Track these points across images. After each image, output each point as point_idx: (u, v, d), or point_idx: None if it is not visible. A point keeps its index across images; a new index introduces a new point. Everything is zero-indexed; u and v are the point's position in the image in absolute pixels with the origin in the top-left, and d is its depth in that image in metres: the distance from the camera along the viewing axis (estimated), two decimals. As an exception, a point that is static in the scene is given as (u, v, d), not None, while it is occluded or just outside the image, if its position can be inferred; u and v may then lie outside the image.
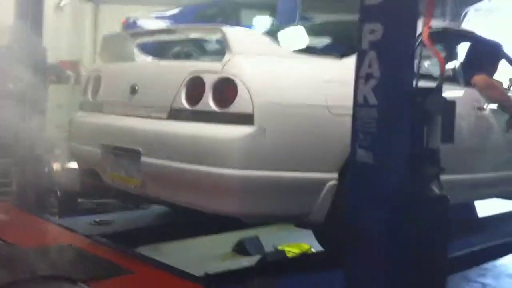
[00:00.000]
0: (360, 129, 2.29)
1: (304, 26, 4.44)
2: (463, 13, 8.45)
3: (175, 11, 9.41)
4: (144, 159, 3.02)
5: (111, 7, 11.70)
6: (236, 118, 2.66)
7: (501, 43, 4.02)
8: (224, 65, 2.74)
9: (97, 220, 4.30)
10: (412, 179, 2.26)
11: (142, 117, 3.13)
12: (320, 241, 3.14)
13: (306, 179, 2.76)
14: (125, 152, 3.21)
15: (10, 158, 4.59)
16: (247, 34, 3.11)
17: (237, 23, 9.50)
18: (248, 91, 2.64)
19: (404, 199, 2.25)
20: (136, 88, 3.18)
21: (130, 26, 8.93)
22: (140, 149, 3.03)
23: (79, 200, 5.92)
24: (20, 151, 4.46)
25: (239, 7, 10.02)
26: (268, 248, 5.65)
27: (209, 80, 2.76)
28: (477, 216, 4.67)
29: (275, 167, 2.67)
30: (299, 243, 5.61)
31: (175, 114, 2.91)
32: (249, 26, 9.02)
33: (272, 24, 8.48)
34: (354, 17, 4.22)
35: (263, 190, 2.69)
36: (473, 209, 4.69)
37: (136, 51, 3.61)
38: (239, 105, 2.66)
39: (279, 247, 5.56)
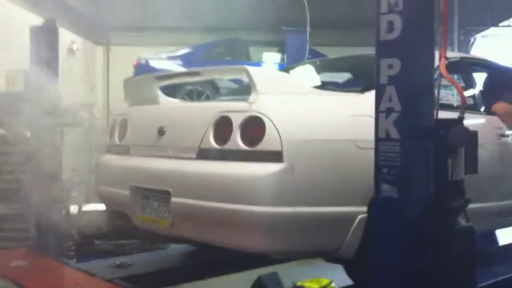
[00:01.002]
0: (383, 164, 2.29)
1: (320, 62, 4.49)
2: (471, 40, 8.52)
3: (185, 50, 9.55)
4: (174, 199, 3.03)
5: (121, 49, 11.88)
6: (265, 156, 2.68)
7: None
8: (251, 104, 2.78)
9: (117, 262, 4.26)
10: (438, 212, 2.24)
11: (171, 158, 3.15)
12: (350, 275, 3.10)
13: (336, 213, 2.77)
14: (154, 194, 3.22)
15: (28, 203, 4.59)
16: (270, 73, 3.11)
17: (246, 60, 9.61)
18: (276, 128, 2.67)
19: (430, 233, 2.24)
20: (164, 129, 3.21)
21: (142, 67, 9.05)
22: (170, 190, 3.04)
23: (96, 242, 5.90)
24: (37, 195, 4.48)
25: (246, 44, 10.14)
26: (287, 284, 5.61)
27: (237, 119, 2.80)
28: (499, 244, 4.60)
29: (305, 203, 2.69)
30: (318, 277, 5.56)
31: (204, 154, 2.94)
32: (257, 63, 9.14)
33: (282, 60, 8.57)
34: (365, 50, 4.32)
35: (293, 226, 2.70)
36: (495, 238, 4.63)
37: (159, 93, 3.66)
38: (267, 143, 2.68)
39: (298, 283, 5.52)
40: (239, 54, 9.64)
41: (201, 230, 2.99)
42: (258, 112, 2.73)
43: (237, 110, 2.84)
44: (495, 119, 3.57)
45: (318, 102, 2.93)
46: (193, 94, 8.18)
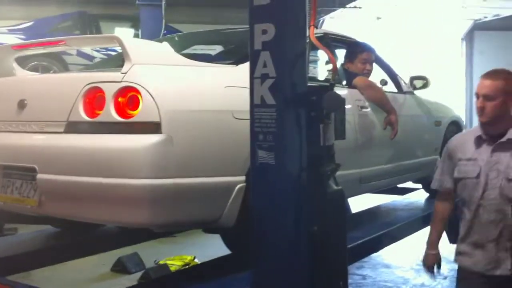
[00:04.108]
0: (259, 130, 2.28)
1: (187, 35, 4.41)
2: (320, 21, 8.90)
3: (27, 24, 8.89)
4: (40, 176, 2.83)
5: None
6: (142, 127, 2.59)
7: (374, 47, 4.26)
8: (125, 74, 2.66)
9: (-39, 250, 3.87)
10: (311, 176, 2.29)
11: (35, 132, 2.95)
12: (228, 245, 3.13)
13: (215, 184, 2.76)
14: (16, 171, 3.00)
15: None
16: (144, 42, 3.04)
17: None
18: (153, 99, 2.58)
19: (304, 196, 2.28)
20: (25, 102, 2.99)
21: (-22, 41, 8.28)
22: (36, 166, 2.84)
23: None
24: None
25: (96, 19, 9.69)
26: (149, 263, 5.52)
27: (109, 90, 2.66)
28: (351, 212, 4.88)
29: (184, 174, 2.65)
30: (181, 255, 5.54)
31: (74, 127, 2.78)
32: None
33: (136, 36, 8.30)
34: (221, 28, 4.31)
35: (173, 198, 2.64)
36: (347, 205, 4.89)
37: (15, 65, 3.38)
38: (144, 114, 2.59)
39: (161, 262, 5.46)
40: (89, 29, 9.18)
41: (73, 207, 2.83)
42: (133, 83, 2.62)
43: (109, 80, 2.70)
44: (355, 92, 3.74)
45: (194, 73, 2.90)
46: (38, 69, 7.65)
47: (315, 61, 3.58)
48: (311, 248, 2.29)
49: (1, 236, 5.34)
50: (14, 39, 8.15)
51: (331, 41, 3.77)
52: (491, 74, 2.70)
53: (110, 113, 2.64)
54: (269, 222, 2.30)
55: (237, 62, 3.05)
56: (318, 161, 2.30)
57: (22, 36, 8.49)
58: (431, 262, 2.90)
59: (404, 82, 4.65)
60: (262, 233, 2.32)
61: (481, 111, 2.66)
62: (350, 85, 3.77)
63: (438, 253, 2.90)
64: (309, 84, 2.37)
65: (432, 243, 2.90)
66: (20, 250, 4.05)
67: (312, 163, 2.28)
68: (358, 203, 4.86)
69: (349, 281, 2.56)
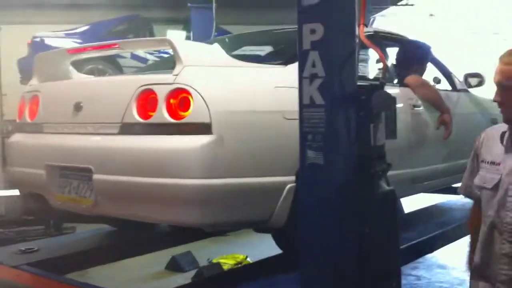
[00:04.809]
0: (308, 130, 2.27)
1: (235, 37, 4.45)
2: (370, 20, 8.79)
3: (84, 28, 9.16)
4: (96, 176, 2.91)
5: (13, 28, 11.18)
6: (193, 128, 2.64)
7: (430, 45, 4.18)
8: (176, 76, 2.71)
9: (22, 248, 4.02)
10: (361, 176, 2.26)
11: (91, 134, 3.04)
12: (279, 245, 3.17)
13: (265, 184, 2.78)
14: (74, 172, 3.09)
15: None
16: (194, 44, 3.11)
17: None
18: (204, 100, 2.63)
19: (354, 197, 2.25)
20: (81, 105, 3.08)
21: (37, 45, 8.59)
22: (92, 167, 2.92)
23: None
24: None
25: (150, 22, 9.90)
26: (202, 262, 5.58)
27: (161, 92, 2.73)
28: (404, 212, 4.80)
29: (235, 175, 2.68)
30: (234, 254, 5.58)
31: (128, 128, 2.85)
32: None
33: (188, 39, 8.42)
34: (277, 27, 4.32)
35: (224, 198, 2.68)
36: (400, 206, 4.82)
37: (71, 68, 3.50)
38: (195, 115, 2.64)
39: (214, 260, 5.51)
40: (143, 32, 9.39)
41: (127, 206, 2.91)
42: (184, 84, 2.67)
43: (161, 82, 2.77)
44: (407, 91, 3.68)
45: (244, 74, 2.93)
46: (94, 72, 7.87)
47: (366, 60, 3.55)
48: (361, 250, 2.26)
49: (59, 235, 5.51)
50: (71, 43, 8.40)
51: (382, 40, 3.73)
52: (507, 56, 2.04)
53: (163, 114, 2.70)
54: (318, 223, 2.29)
55: (286, 63, 3.05)
56: (368, 161, 2.28)
57: (79, 40, 8.76)
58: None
59: (458, 80, 4.55)
60: (310, 234, 2.31)
61: (501, 106, 2.06)
62: (402, 84, 3.72)
63: None
64: (358, 83, 2.36)
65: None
66: (78, 249, 4.18)
67: (362, 164, 2.26)
68: (413, 203, 4.77)
69: (403, 282, 2.52)
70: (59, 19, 10.56)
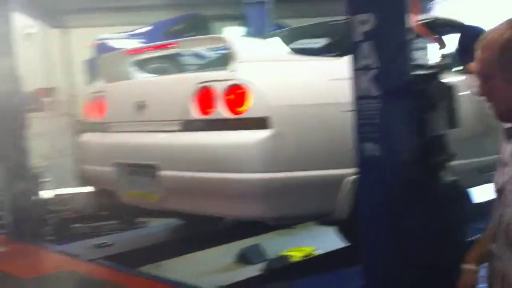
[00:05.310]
0: (363, 122, 2.26)
1: (291, 30, 4.47)
2: (429, 6, 8.54)
3: (145, 28, 9.36)
4: (161, 173, 3.01)
5: (79, 31, 11.59)
6: (252, 123, 2.70)
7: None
8: (234, 72, 2.78)
9: (97, 243, 4.23)
10: (420, 167, 2.24)
11: (155, 131, 3.14)
12: (345, 237, 3.19)
13: (326, 176, 2.80)
14: (141, 169, 3.21)
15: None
16: (249, 41, 3.13)
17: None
18: (262, 95, 2.68)
19: (413, 188, 2.23)
20: (144, 104, 3.18)
21: (102, 47, 8.85)
22: (157, 164, 3.03)
23: (73, 225, 5.85)
24: (7, 182, 4.39)
25: (206, 20, 10.00)
26: (270, 255, 5.63)
27: (220, 88, 2.79)
28: (473, 202, 4.67)
29: (295, 168, 2.72)
30: (302, 246, 5.61)
31: (189, 125, 2.95)
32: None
33: (243, 34, 8.48)
34: (332, 18, 4.29)
35: (286, 192, 2.73)
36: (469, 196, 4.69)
37: (132, 68, 3.64)
38: (254, 110, 2.70)
39: (282, 253, 5.56)
40: (201, 30, 9.51)
41: (191, 201, 3.01)
42: (242, 80, 2.72)
43: (219, 79, 2.83)
44: (469, 78, 3.58)
45: (299, 68, 2.96)
46: (157, 71, 8.05)
47: (424, 48, 3.47)
48: (423, 241, 2.23)
49: (132, 229, 5.70)
50: (136, 44, 8.61)
51: (442, 27, 3.64)
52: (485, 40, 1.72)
53: (221, 110, 2.76)
54: (377, 215, 2.27)
55: (342, 54, 3.03)
56: (427, 151, 2.24)
57: (142, 40, 8.95)
58: (463, 281, 1.88)
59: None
60: (370, 226, 2.29)
61: (487, 100, 1.76)
62: (465, 71, 3.63)
63: (478, 271, 1.88)
64: (414, 73, 2.33)
65: (470, 257, 1.92)
66: (150, 242, 4.35)
67: (421, 154, 2.22)
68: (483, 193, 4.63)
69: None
70: (121, 21, 10.85)
